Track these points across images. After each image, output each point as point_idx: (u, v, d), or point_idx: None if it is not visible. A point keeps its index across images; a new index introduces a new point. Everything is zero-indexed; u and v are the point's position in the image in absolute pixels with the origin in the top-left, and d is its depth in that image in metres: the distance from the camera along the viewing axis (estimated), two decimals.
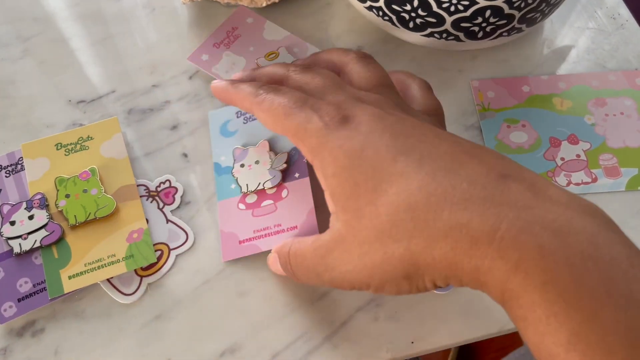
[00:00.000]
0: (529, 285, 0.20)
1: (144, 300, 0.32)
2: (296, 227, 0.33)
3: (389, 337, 0.32)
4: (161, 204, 0.35)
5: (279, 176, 0.34)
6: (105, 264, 0.32)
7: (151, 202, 0.35)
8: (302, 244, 0.28)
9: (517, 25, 0.37)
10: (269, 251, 0.32)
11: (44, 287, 0.32)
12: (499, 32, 0.37)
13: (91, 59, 0.42)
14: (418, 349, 0.32)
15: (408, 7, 0.35)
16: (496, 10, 0.34)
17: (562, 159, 0.37)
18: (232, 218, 0.34)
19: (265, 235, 0.33)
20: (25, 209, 0.34)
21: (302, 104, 0.27)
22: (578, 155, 0.38)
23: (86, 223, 0.33)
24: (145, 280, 0.33)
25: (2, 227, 0.33)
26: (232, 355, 0.31)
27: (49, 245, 0.33)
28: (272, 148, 0.35)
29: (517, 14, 0.35)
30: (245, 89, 0.30)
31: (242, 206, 0.34)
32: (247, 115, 0.37)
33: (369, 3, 0.38)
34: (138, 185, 0.35)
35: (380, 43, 0.43)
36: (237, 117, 0.37)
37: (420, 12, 0.35)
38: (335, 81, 0.29)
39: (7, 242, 0.33)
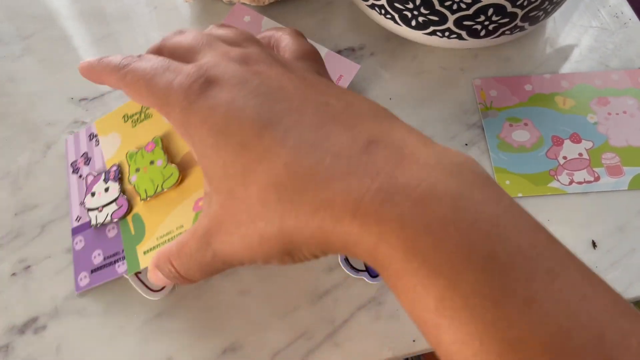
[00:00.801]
0: (393, 256, 0.20)
1: (144, 298, 0.32)
2: None
3: (390, 335, 0.32)
4: None
5: None
6: (174, 236, 0.31)
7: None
8: (181, 243, 0.26)
9: (520, 24, 0.37)
10: None
11: (114, 260, 0.32)
12: (501, 30, 0.37)
13: (93, 56, 0.42)
14: (419, 347, 0.32)
15: (410, 5, 0.35)
16: (499, 8, 0.34)
17: (565, 157, 0.37)
18: None
19: None
20: (103, 180, 0.34)
21: (164, 69, 0.25)
22: (580, 154, 0.38)
23: (156, 196, 0.33)
24: None
25: (85, 197, 0.34)
26: (233, 354, 0.31)
27: (121, 219, 0.33)
28: None
29: (520, 12, 0.35)
30: (111, 62, 0.27)
31: None
32: None
33: (371, 1, 0.38)
34: None
35: (382, 41, 0.43)
36: None
37: (422, 10, 0.35)
38: (210, 39, 0.27)
39: (88, 213, 0.34)
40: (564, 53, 0.43)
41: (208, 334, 0.32)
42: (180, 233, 0.31)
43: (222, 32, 0.28)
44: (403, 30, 0.39)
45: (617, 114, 0.39)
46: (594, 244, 0.35)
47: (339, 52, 0.42)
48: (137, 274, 0.33)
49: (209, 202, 0.25)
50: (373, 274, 0.33)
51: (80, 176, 0.35)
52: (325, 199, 0.21)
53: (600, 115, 0.39)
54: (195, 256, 0.26)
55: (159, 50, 0.28)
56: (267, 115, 0.23)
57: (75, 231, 0.34)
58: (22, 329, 0.32)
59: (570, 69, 0.42)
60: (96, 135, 0.36)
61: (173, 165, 0.33)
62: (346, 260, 0.34)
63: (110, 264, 0.32)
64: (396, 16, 0.37)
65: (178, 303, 0.32)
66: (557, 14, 0.45)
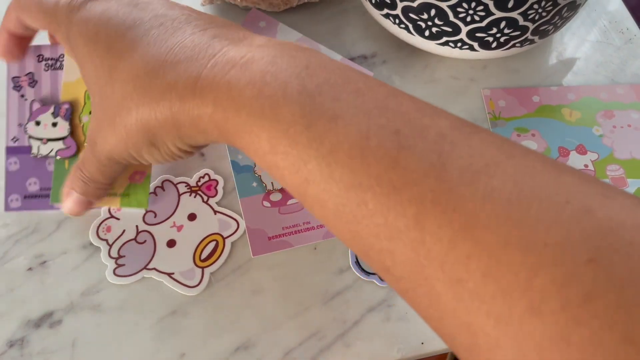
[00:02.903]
0: (228, 117, 0.23)
1: (159, 295, 0.33)
2: None
3: (399, 337, 0.32)
4: (205, 198, 0.36)
5: None
6: None
7: (195, 197, 0.36)
8: (82, 154, 0.30)
9: (530, 37, 0.38)
10: (300, 247, 0.34)
11: (49, 194, 0.34)
12: (512, 42, 0.38)
13: None
14: (428, 350, 0.32)
15: (425, 16, 0.36)
16: (511, 22, 0.35)
17: None
18: (257, 215, 0.35)
19: (295, 232, 0.34)
20: (51, 113, 0.35)
21: None
22: (586, 165, 0.38)
23: None
24: (207, 271, 0.34)
25: (27, 123, 0.35)
26: (245, 352, 0.32)
27: (68, 158, 0.34)
28: None
29: (531, 26, 0.36)
30: None
31: (266, 204, 0.35)
32: None
33: (385, 11, 0.39)
34: (178, 184, 0.36)
35: (394, 50, 0.44)
36: None
37: (436, 21, 0.36)
38: None
39: (29, 140, 0.34)
40: (571, 66, 0.44)
41: (221, 331, 0.32)
42: (110, 194, 0.33)
43: None
44: (416, 39, 0.39)
45: (622, 127, 0.40)
46: None
47: (352, 59, 0.43)
48: (170, 275, 0.33)
49: (92, 108, 0.28)
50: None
51: (23, 96, 0.35)
52: (171, 82, 0.24)
53: (606, 128, 0.40)
54: (91, 159, 0.29)
55: None
56: (132, 19, 0.26)
57: (11, 151, 0.35)
58: (38, 323, 0.32)
59: (576, 82, 0.43)
60: (49, 59, 0.36)
61: None
62: (357, 263, 0.34)
63: (47, 196, 0.34)
64: (410, 26, 0.38)
65: (192, 301, 0.33)
66: (564, 28, 0.46)
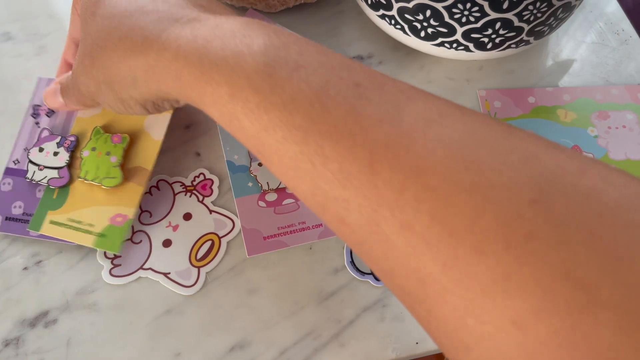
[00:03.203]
0: (189, 66, 0.24)
1: (154, 294, 0.33)
2: (321, 224, 0.34)
3: (394, 337, 0.32)
4: (200, 197, 0.36)
5: None
6: (80, 229, 0.33)
7: (190, 196, 0.36)
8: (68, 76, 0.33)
9: (525, 38, 0.38)
10: (295, 247, 0.34)
11: (29, 220, 0.34)
12: (507, 43, 0.38)
13: None
14: (422, 349, 0.32)
15: (420, 17, 0.36)
16: (506, 23, 0.35)
17: None
18: (253, 215, 0.35)
19: (291, 232, 0.34)
20: (56, 142, 0.36)
21: None
22: None
23: (91, 184, 0.34)
24: (203, 270, 0.34)
25: (32, 148, 0.36)
26: (241, 351, 0.32)
27: (58, 188, 0.35)
28: None
29: (526, 27, 0.36)
30: None
31: (262, 204, 0.35)
32: None
33: (381, 12, 0.39)
34: (173, 183, 0.36)
35: (390, 50, 0.44)
36: None
37: (432, 22, 0.36)
38: None
39: (28, 164, 0.35)
40: (566, 67, 0.44)
41: (216, 331, 0.32)
42: (86, 231, 0.33)
43: None
44: (412, 40, 0.40)
45: (617, 128, 0.41)
46: None
47: None
48: (166, 275, 0.33)
49: (80, 43, 0.30)
50: (378, 277, 0.34)
51: (37, 123, 0.37)
52: (140, 24, 0.25)
53: (601, 129, 0.40)
54: (72, 88, 0.32)
55: None
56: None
57: (8, 172, 0.36)
58: (33, 323, 0.32)
59: (571, 83, 0.43)
60: None
61: (121, 170, 0.34)
62: (352, 262, 0.35)
63: (27, 221, 0.34)
64: (406, 27, 0.38)
65: (187, 300, 0.33)
66: (560, 30, 0.46)
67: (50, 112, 0.37)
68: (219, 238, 0.35)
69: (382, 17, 0.39)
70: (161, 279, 0.33)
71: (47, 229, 0.33)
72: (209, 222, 0.35)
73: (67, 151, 0.35)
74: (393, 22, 0.39)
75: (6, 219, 0.34)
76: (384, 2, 0.37)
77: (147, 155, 0.35)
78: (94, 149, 0.35)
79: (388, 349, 0.32)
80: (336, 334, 0.32)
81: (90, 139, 0.35)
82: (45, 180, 0.34)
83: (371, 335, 0.33)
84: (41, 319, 0.32)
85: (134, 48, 0.25)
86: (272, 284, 0.34)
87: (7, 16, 0.44)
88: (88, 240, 0.33)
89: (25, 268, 0.34)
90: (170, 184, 0.36)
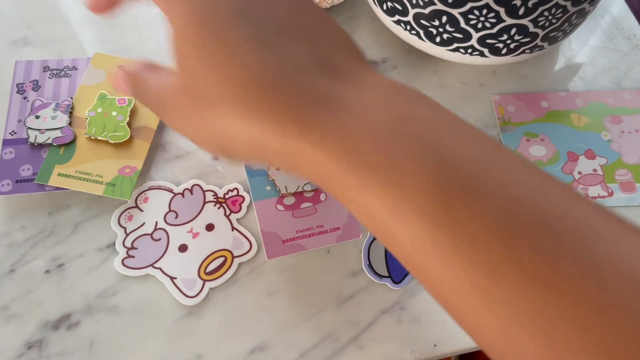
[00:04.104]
0: (332, 161, 0.20)
1: (175, 297, 0.33)
2: (339, 228, 0.35)
3: (412, 339, 0.33)
4: (228, 212, 0.36)
5: None
6: (90, 179, 0.36)
7: (218, 208, 0.36)
8: (149, 81, 0.27)
9: (540, 43, 0.38)
10: (313, 250, 0.35)
11: None
12: (522, 49, 0.38)
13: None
14: (440, 351, 0.33)
15: (436, 23, 0.37)
16: (521, 28, 0.36)
17: (580, 173, 0.39)
18: (271, 218, 0.35)
19: (309, 235, 0.34)
20: (52, 108, 0.38)
21: None
22: (595, 170, 0.39)
23: (98, 140, 0.37)
24: (208, 285, 0.34)
25: (27, 117, 0.37)
26: (261, 353, 0.32)
27: (63, 146, 0.37)
28: None
29: (541, 33, 0.37)
30: None
31: (280, 207, 0.35)
32: None
33: (397, 17, 0.39)
34: (206, 191, 0.37)
35: (403, 55, 0.44)
36: None
37: (448, 27, 0.37)
38: None
39: (27, 131, 0.37)
40: (579, 72, 0.45)
41: (237, 333, 0.33)
42: (96, 181, 0.35)
43: None
44: (427, 45, 0.40)
45: (630, 132, 0.41)
46: None
47: None
48: (172, 280, 0.34)
49: (173, 73, 0.25)
50: (396, 280, 0.35)
51: (25, 98, 0.39)
52: (279, 105, 0.21)
53: (614, 133, 0.41)
54: (149, 98, 0.27)
55: None
56: (245, 6, 0.23)
57: (7, 143, 0.37)
58: (56, 325, 0.33)
59: (584, 88, 0.44)
60: (54, 69, 0.40)
61: (128, 128, 0.37)
62: (369, 265, 0.35)
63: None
64: (421, 32, 0.39)
65: (207, 303, 0.33)
66: (572, 35, 0.47)
67: (37, 87, 0.39)
68: (233, 257, 0.35)
69: (398, 22, 0.40)
70: (167, 282, 0.34)
71: (55, 180, 0.35)
72: (228, 238, 0.35)
73: (65, 113, 0.37)
74: (409, 27, 0.39)
75: (16, 182, 0.35)
76: (400, 8, 0.38)
77: (152, 116, 0.39)
78: (99, 110, 0.38)
79: (406, 351, 0.32)
80: (354, 337, 0.33)
81: (96, 102, 0.38)
82: (49, 140, 0.36)
83: (389, 338, 0.33)
84: (64, 322, 0.33)
85: (263, 124, 0.21)
86: (290, 286, 0.34)
87: (25, 22, 0.45)
88: (98, 189, 0.35)
89: (47, 271, 0.34)
90: (204, 191, 0.37)
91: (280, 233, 0.35)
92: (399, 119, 0.21)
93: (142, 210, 0.36)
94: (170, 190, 0.37)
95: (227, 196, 0.37)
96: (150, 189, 0.36)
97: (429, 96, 0.23)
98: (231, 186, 0.37)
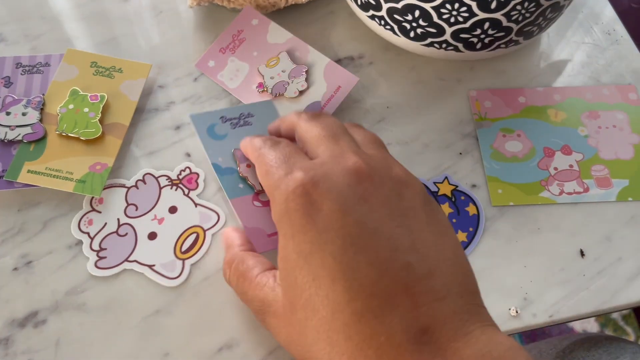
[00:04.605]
0: None
1: (143, 294, 0.33)
2: None
3: None
4: (186, 191, 0.37)
5: None
6: (60, 176, 0.35)
7: (175, 190, 0.37)
8: (248, 272, 0.29)
9: (515, 38, 0.38)
10: None
11: None
12: (497, 44, 0.38)
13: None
14: None
15: (409, 17, 0.37)
16: (494, 23, 0.36)
17: (556, 168, 0.39)
18: (252, 214, 0.35)
19: None
20: (23, 105, 0.38)
21: (278, 165, 0.28)
22: (571, 166, 0.39)
23: (69, 137, 0.37)
24: (187, 262, 0.34)
25: None
26: (229, 351, 0.32)
27: (33, 142, 0.36)
28: None
29: (515, 27, 0.36)
30: (255, 143, 0.31)
31: (257, 204, 0.35)
32: (234, 121, 0.38)
33: (371, 12, 0.39)
34: (159, 177, 0.37)
35: (380, 51, 0.44)
36: (223, 122, 0.38)
37: (421, 22, 0.36)
38: (332, 132, 0.29)
39: None
40: (557, 67, 0.44)
41: (205, 331, 0.32)
42: (66, 178, 0.35)
43: (352, 132, 0.30)
44: (402, 41, 0.40)
45: (607, 127, 0.41)
46: (582, 253, 0.36)
47: (339, 60, 0.43)
48: (151, 267, 0.34)
49: (278, 288, 0.27)
50: None
51: None
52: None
53: (591, 129, 0.41)
54: (243, 292, 0.29)
55: (291, 128, 0.32)
56: (347, 263, 0.24)
57: None
58: (23, 323, 0.32)
59: (562, 83, 0.43)
60: (27, 66, 0.40)
61: (100, 125, 0.37)
62: None
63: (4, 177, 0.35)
64: (395, 27, 0.38)
65: (176, 300, 0.33)
66: (551, 30, 0.46)
67: (8, 84, 0.39)
68: (204, 231, 0.35)
69: (372, 17, 0.39)
70: (146, 271, 0.33)
71: (24, 177, 0.35)
72: (194, 215, 0.36)
73: (36, 109, 0.37)
74: (383, 22, 0.39)
75: None
76: (374, 3, 0.38)
77: (125, 113, 0.39)
78: (71, 107, 0.38)
79: None
80: None
81: (67, 98, 0.38)
82: (19, 137, 0.36)
83: None
84: (30, 319, 0.32)
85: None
86: None
87: (0, 18, 0.44)
88: (67, 186, 0.35)
89: (15, 268, 0.34)
90: (157, 178, 0.37)
91: (263, 228, 0.34)
92: None
93: (99, 212, 0.35)
94: (123, 185, 0.37)
95: (180, 177, 0.37)
96: (103, 189, 0.36)
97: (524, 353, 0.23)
98: (182, 166, 0.37)
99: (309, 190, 0.25)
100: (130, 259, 0.34)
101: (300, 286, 0.24)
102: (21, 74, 0.40)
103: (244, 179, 0.36)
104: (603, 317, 1.03)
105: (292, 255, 0.25)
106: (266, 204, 0.35)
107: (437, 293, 0.24)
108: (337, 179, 0.26)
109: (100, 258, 0.34)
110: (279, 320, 0.26)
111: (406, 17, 0.37)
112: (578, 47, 0.46)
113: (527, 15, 0.36)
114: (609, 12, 0.47)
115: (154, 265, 0.34)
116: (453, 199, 0.37)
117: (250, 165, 0.36)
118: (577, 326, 1.00)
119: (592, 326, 1.02)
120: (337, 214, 0.24)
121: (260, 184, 0.35)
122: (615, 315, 1.03)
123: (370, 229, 0.24)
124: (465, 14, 0.35)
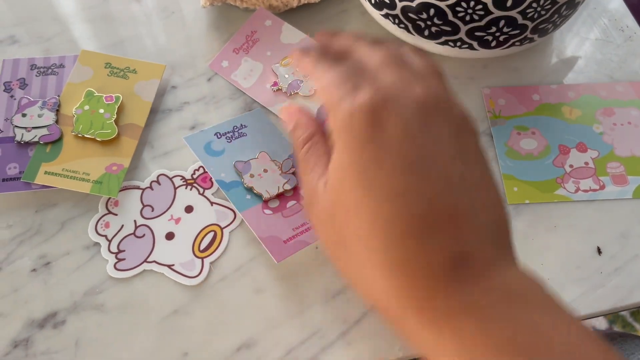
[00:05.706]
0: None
1: (161, 295, 0.33)
2: None
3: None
4: (201, 190, 0.37)
5: (294, 178, 0.36)
6: (76, 177, 0.36)
7: (190, 189, 0.37)
8: (310, 195, 0.29)
9: (530, 35, 0.38)
10: (316, 243, 0.35)
11: None
12: (511, 41, 0.38)
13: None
14: None
15: (424, 16, 0.36)
16: (510, 21, 0.35)
17: (571, 166, 0.38)
18: (264, 224, 0.35)
19: (307, 230, 0.34)
20: (39, 106, 0.38)
21: (345, 79, 0.27)
22: (586, 163, 0.39)
23: (85, 138, 0.37)
24: (207, 260, 0.34)
25: (14, 115, 0.37)
26: (247, 350, 0.32)
27: (49, 143, 0.37)
28: (271, 157, 0.37)
29: (530, 25, 0.36)
30: (313, 56, 0.30)
31: (268, 212, 0.35)
32: (229, 135, 0.38)
33: (385, 11, 0.39)
34: (173, 177, 0.37)
35: None
36: (218, 137, 0.38)
37: (435, 20, 0.36)
38: (396, 58, 0.28)
39: (14, 129, 0.37)
40: (570, 64, 0.44)
41: (223, 330, 0.32)
42: (83, 179, 0.35)
43: (414, 59, 0.29)
44: (415, 39, 0.40)
45: (622, 124, 0.40)
46: (599, 250, 0.36)
47: None
48: (170, 267, 0.34)
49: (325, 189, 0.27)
50: None
51: (12, 96, 0.39)
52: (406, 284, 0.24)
53: (606, 126, 0.40)
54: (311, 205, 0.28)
55: (345, 51, 0.30)
56: (401, 185, 0.24)
57: None
58: (42, 324, 0.32)
59: (576, 80, 0.43)
60: (41, 67, 0.40)
61: (115, 125, 0.37)
62: None
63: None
64: (410, 26, 0.38)
65: (194, 300, 0.33)
66: (564, 27, 0.46)
67: (24, 85, 0.39)
68: (221, 229, 0.35)
69: (386, 16, 0.39)
70: (165, 271, 0.34)
71: (42, 178, 0.35)
72: (210, 213, 0.36)
73: (52, 110, 0.37)
74: (397, 21, 0.39)
75: (3, 180, 0.35)
76: (388, 2, 0.37)
77: (140, 113, 0.39)
78: (87, 108, 0.38)
79: (394, 347, 0.32)
80: (343, 333, 0.33)
81: (83, 99, 0.38)
82: (36, 138, 0.36)
83: (377, 334, 0.33)
84: (50, 320, 0.33)
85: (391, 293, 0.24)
86: (278, 283, 0.34)
87: (12, 20, 0.45)
88: (84, 187, 0.35)
89: (34, 269, 0.34)
90: (171, 178, 0.37)
91: (279, 235, 0.34)
92: (513, 342, 0.22)
93: (116, 214, 0.36)
94: (137, 187, 0.37)
95: (194, 176, 0.37)
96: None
97: (553, 297, 0.24)
98: (195, 166, 0.37)
99: (378, 109, 0.25)
100: (149, 259, 0.34)
101: (346, 193, 0.25)
102: (36, 75, 0.40)
103: (249, 190, 0.36)
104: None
105: (346, 166, 0.25)
106: (276, 210, 0.35)
107: (479, 228, 0.25)
108: (405, 104, 0.26)
109: (119, 260, 0.34)
110: (319, 221, 0.28)
111: (421, 16, 0.37)
112: (591, 44, 0.45)
113: (543, 12, 0.35)
114: (622, 8, 0.47)
115: (173, 265, 0.34)
116: None
117: (254, 175, 0.36)
118: (586, 323, 1.00)
119: (600, 323, 1.02)
120: (400, 138, 0.25)
121: (267, 191, 0.35)
122: (624, 312, 1.02)
123: (428, 159, 0.25)
124: (481, 12, 0.35)
